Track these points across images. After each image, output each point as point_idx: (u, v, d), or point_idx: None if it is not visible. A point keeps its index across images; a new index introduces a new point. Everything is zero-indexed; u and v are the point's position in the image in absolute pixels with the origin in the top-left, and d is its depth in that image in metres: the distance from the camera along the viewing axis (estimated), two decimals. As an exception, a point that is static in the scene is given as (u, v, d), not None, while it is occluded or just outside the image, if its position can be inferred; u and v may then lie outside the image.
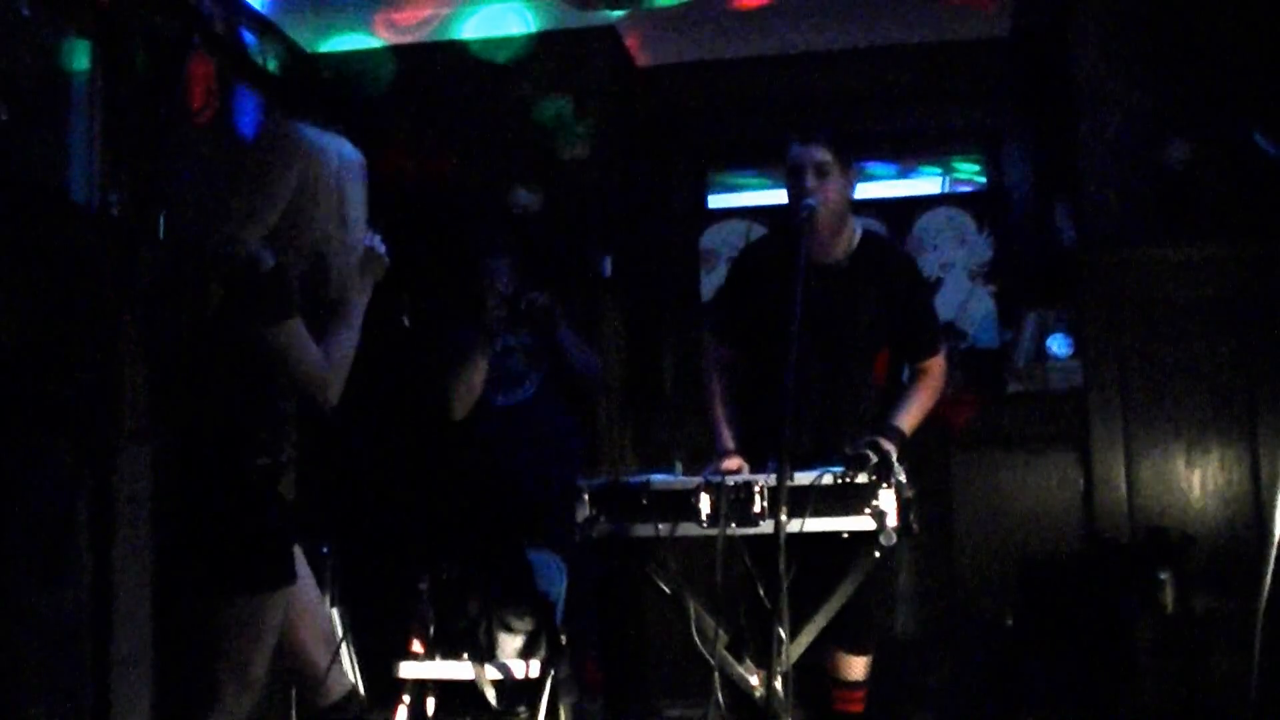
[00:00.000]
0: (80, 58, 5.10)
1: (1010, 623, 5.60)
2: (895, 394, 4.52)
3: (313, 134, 3.55)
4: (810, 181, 4.35)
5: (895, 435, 4.26)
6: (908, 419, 4.39)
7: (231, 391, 3.46)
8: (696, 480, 3.92)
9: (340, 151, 3.57)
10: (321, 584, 4.11)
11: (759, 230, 6.64)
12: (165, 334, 4.42)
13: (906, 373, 4.67)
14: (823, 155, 4.37)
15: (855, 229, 4.57)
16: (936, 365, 4.55)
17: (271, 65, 6.17)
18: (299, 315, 3.43)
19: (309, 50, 6.44)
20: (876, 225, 6.36)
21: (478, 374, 5.54)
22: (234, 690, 3.45)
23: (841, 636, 4.30)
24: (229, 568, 3.43)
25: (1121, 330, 5.78)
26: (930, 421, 4.51)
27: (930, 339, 4.58)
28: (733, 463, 4.30)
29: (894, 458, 3.90)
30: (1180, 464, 5.66)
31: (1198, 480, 5.64)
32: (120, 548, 4.70)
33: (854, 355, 4.50)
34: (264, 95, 6.04)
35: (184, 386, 3.59)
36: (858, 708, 4.52)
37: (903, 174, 7.10)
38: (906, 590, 4.52)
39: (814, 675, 4.42)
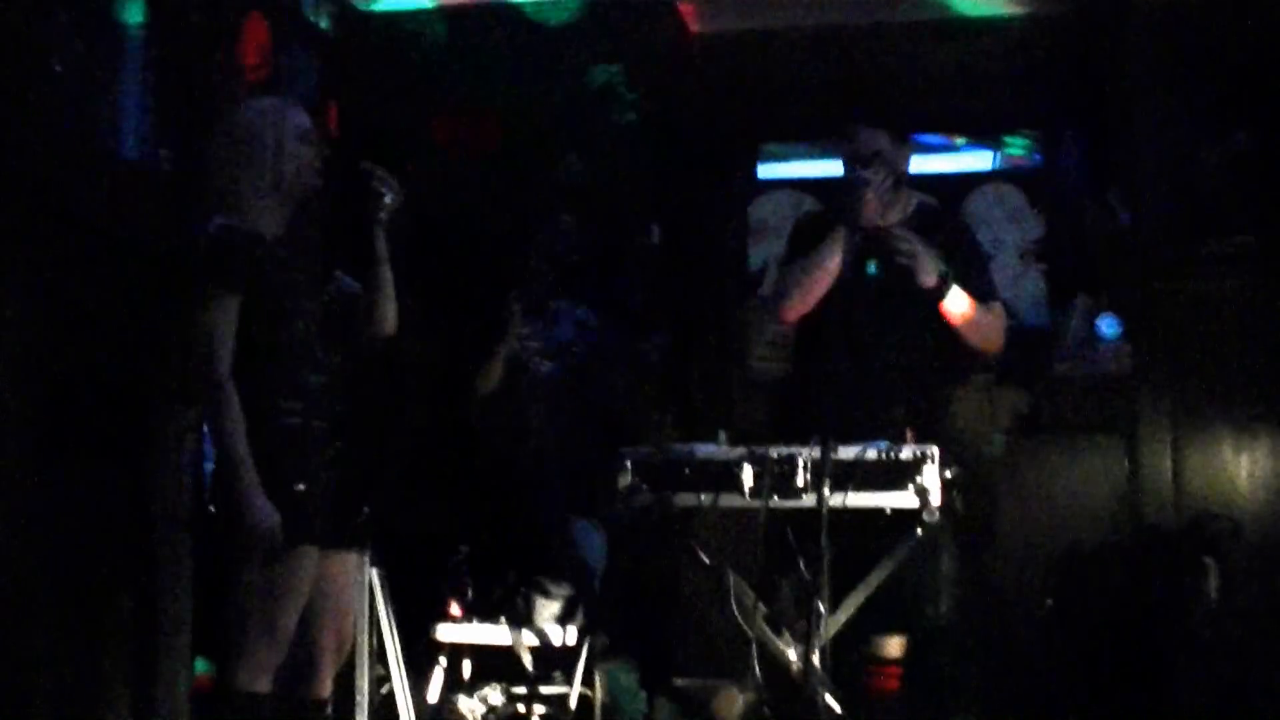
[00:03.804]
0: (134, 11, 5.10)
1: (1050, 603, 5.56)
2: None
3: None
4: (866, 170, 4.37)
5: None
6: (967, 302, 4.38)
7: (254, 356, 3.64)
8: (740, 451, 3.91)
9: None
10: (360, 544, 4.14)
11: (809, 202, 6.59)
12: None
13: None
14: (876, 142, 4.41)
15: (911, 200, 4.60)
16: (994, 310, 4.53)
17: (324, 23, 6.15)
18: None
19: (362, 9, 6.41)
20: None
21: (509, 343, 5.54)
22: (263, 645, 3.60)
23: (877, 615, 4.26)
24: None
25: (1172, 316, 5.73)
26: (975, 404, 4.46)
27: (982, 288, 4.52)
28: None
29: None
30: (1228, 449, 5.61)
31: (1245, 466, 5.58)
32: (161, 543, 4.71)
33: (905, 319, 4.46)
34: (316, 54, 6.03)
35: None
36: (893, 685, 4.47)
37: (953, 149, 7.01)
38: (950, 574, 4.44)
39: (852, 654, 4.39)
